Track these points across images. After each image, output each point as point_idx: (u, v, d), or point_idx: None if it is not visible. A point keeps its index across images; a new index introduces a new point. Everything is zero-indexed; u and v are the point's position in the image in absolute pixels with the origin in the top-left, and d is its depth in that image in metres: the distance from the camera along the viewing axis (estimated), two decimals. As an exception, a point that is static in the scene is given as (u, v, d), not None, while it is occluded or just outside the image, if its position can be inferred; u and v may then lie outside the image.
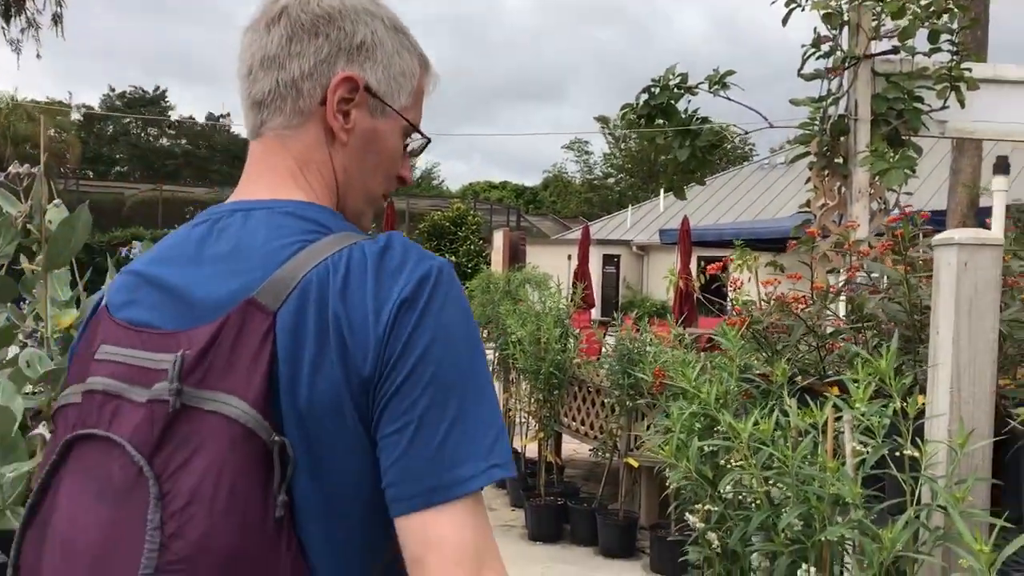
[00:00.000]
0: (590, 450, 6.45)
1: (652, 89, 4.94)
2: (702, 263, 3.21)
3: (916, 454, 1.39)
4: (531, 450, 6.71)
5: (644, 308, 15.90)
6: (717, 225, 18.06)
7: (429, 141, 1.13)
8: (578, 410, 6.46)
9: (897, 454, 1.42)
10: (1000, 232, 2.29)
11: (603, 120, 40.35)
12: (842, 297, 2.63)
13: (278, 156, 1.03)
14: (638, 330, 5.52)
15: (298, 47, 1.00)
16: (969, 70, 4.23)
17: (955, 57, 4.26)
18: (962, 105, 4.23)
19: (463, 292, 0.95)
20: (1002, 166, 2.65)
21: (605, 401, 6.01)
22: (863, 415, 1.48)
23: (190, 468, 0.83)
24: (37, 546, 0.91)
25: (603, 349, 6.36)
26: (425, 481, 0.86)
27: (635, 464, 5.64)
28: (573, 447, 7.84)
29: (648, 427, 5.07)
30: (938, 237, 1.67)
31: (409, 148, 1.11)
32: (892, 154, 4.03)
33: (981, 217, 8.30)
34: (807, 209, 4.68)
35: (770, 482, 1.69)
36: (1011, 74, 4.49)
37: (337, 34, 1.01)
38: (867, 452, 1.51)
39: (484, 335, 7.35)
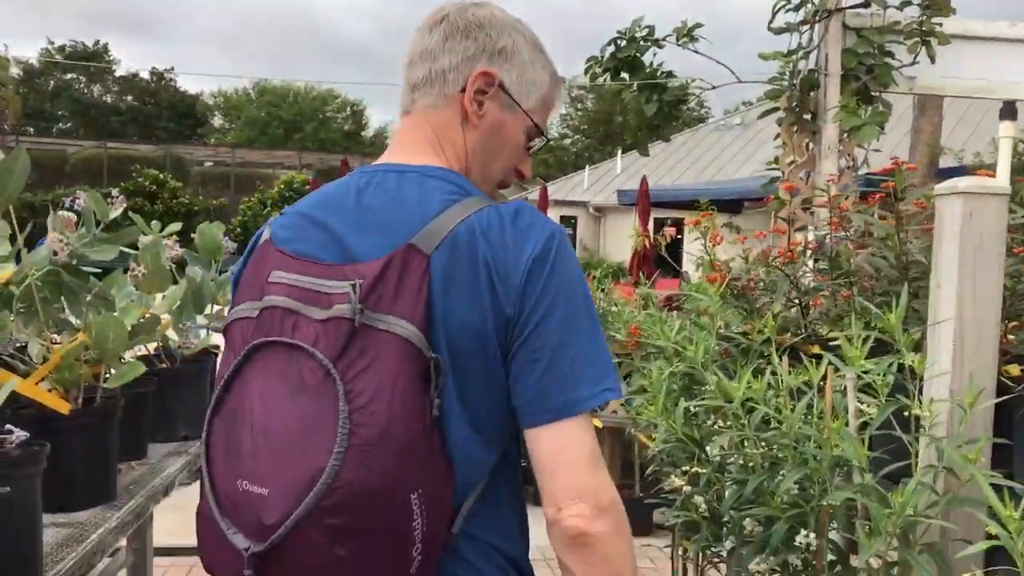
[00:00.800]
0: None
1: (618, 41, 4.81)
2: (668, 222, 3.13)
3: (926, 414, 1.32)
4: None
5: (602, 269, 15.86)
6: (673, 186, 18.03)
7: (549, 141, 1.36)
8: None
9: (905, 414, 1.35)
10: (1006, 180, 2.23)
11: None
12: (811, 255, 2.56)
13: (422, 129, 1.25)
14: (602, 290, 5.45)
15: (451, 44, 1.23)
16: (940, 25, 4.17)
17: (925, 11, 4.20)
18: (932, 60, 4.18)
19: (573, 250, 1.16)
20: (1009, 111, 2.58)
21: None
22: (866, 372, 1.40)
23: (370, 373, 1.03)
24: (225, 431, 1.10)
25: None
26: (554, 401, 1.08)
27: (599, 425, 5.59)
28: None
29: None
30: (940, 186, 1.59)
31: (531, 148, 1.32)
32: (864, 110, 3.97)
33: (942, 177, 8.35)
34: (775, 166, 4.61)
35: (763, 444, 1.61)
36: (979, 30, 4.43)
37: (484, 38, 1.24)
38: (870, 412, 1.43)
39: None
